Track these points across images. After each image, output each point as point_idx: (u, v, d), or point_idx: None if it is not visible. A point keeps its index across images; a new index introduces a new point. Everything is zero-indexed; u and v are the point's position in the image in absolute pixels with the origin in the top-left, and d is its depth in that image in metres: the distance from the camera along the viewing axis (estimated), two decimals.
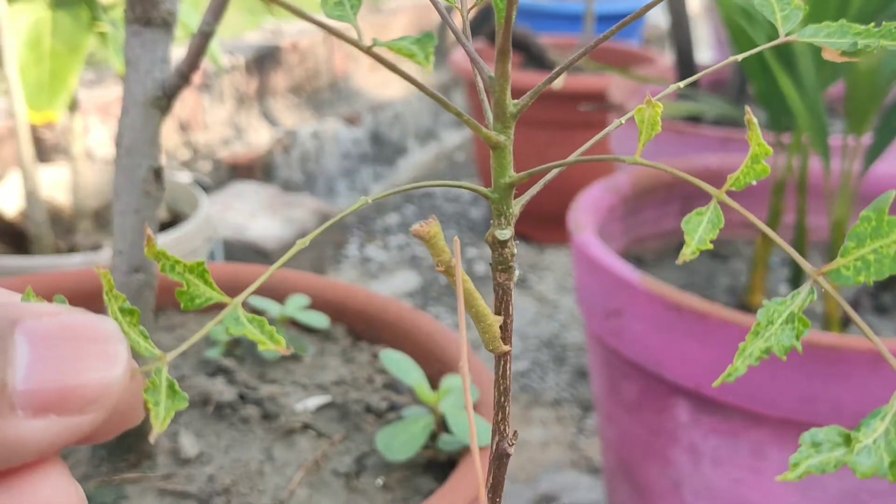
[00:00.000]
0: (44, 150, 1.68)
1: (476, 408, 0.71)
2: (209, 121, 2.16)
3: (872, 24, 0.30)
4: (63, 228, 1.31)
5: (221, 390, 0.77)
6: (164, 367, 0.26)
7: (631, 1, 3.09)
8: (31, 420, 0.23)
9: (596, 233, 1.01)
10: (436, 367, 0.78)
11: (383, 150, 2.51)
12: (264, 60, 2.34)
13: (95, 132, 1.80)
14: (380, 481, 0.70)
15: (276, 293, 0.88)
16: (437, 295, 1.82)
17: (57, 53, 1.09)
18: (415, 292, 1.84)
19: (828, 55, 0.30)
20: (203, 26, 0.61)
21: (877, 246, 0.25)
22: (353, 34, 0.25)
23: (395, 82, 2.80)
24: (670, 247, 1.21)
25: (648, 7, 0.29)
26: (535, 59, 2.08)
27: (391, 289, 1.84)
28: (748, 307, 1.05)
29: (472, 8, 0.33)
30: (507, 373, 0.32)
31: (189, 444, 0.71)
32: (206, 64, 2.02)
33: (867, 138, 1.04)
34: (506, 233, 0.30)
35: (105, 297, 0.26)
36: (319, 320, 0.85)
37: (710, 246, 0.27)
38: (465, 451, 0.69)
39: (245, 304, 0.92)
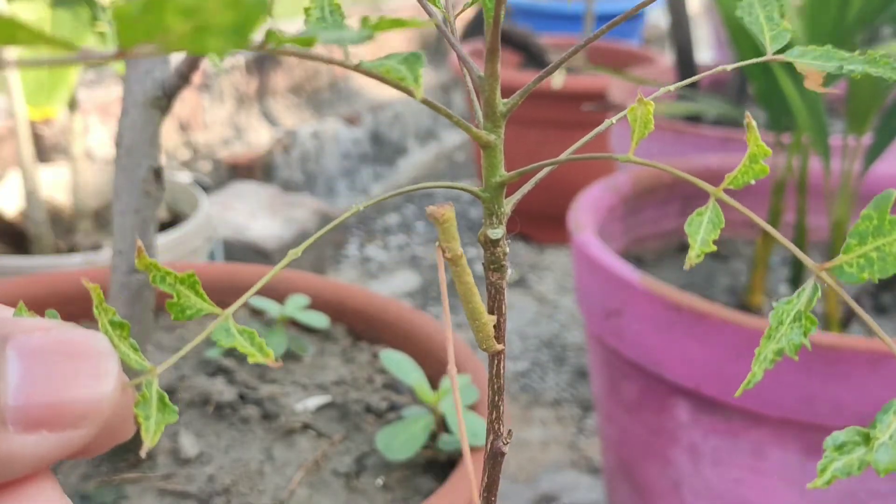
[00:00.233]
0: (44, 150, 1.68)
1: (475, 408, 0.71)
2: (209, 121, 2.16)
3: (858, 52, 0.30)
4: (63, 228, 1.31)
5: (221, 390, 0.77)
6: (154, 379, 0.26)
7: (631, 1, 3.09)
8: (22, 435, 0.23)
9: (596, 233, 1.01)
10: (436, 367, 0.78)
11: (383, 150, 2.51)
12: (264, 60, 2.34)
13: (95, 132, 1.80)
14: (380, 481, 0.70)
15: (276, 293, 0.88)
16: (437, 295, 1.81)
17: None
18: (415, 292, 1.84)
19: (810, 83, 0.30)
20: None
21: (879, 244, 0.25)
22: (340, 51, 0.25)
23: None
24: (670, 247, 1.21)
25: (641, 6, 0.29)
26: (534, 59, 2.08)
27: (391, 289, 1.84)
28: (748, 307, 1.05)
29: (462, 10, 0.33)
30: (501, 372, 0.32)
31: (189, 444, 0.71)
32: (205, 64, 2.02)
33: (867, 138, 1.04)
34: (497, 232, 0.30)
35: (95, 311, 0.26)
36: (319, 320, 0.85)
37: (714, 248, 0.27)
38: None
39: (245, 305, 0.92)
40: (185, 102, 2.07)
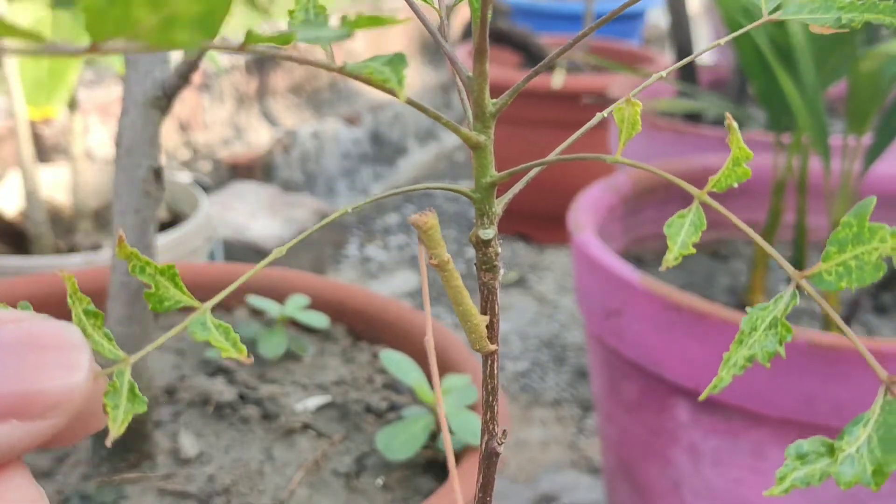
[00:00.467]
0: (44, 150, 1.67)
1: (475, 408, 0.71)
2: (209, 121, 2.16)
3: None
4: (63, 228, 1.31)
5: (221, 390, 0.77)
6: (126, 369, 0.26)
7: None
8: None
9: (596, 233, 1.01)
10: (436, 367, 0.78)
11: (383, 150, 2.51)
12: (264, 60, 2.34)
13: (95, 132, 1.80)
14: (380, 481, 0.70)
15: (276, 293, 0.88)
16: (437, 295, 1.82)
17: None
18: (415, 292, 1.84)
19: (816, 30, 0.30)
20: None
21: (858, 252, 0.24)
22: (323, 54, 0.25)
23: None
24: None
25: (626, 5, 0.29)
26: (534, 59, 2.08)
27: (391, 289, 1.84)
28: (748, 307, 1.05)
29: (453, 5, 0.33)
30: (495, 372, 0.32)
31: (189, 444, 0.71)
32: (206, 64, 2.02)
33: (867, 138, 1.04)
34: (489, 232, 0.30)
35: (69, 300, 0.26)
36: (319, 320, 0.85)
37: (693, 251, 0.27)
38: (465, 450, 0.69)
39: (246, 304, 0.92)
40: (185, 102, 2.07)
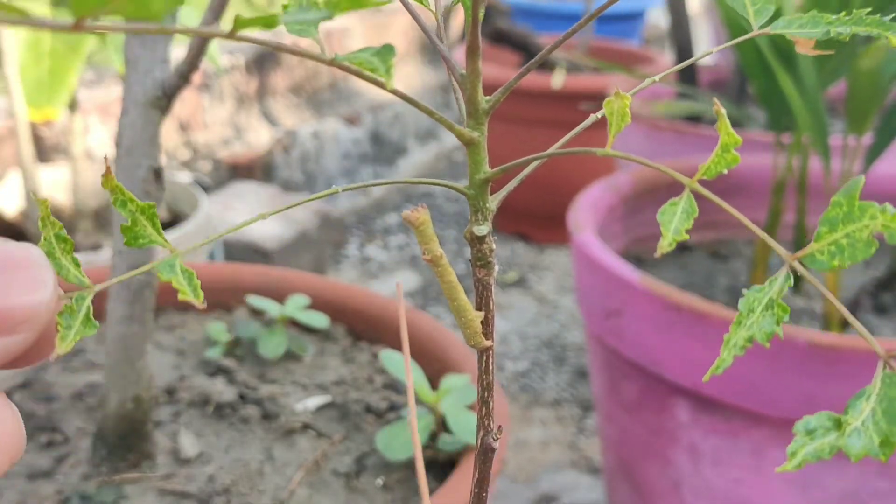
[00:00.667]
0: (44, 150, 1.67)
1: (474, 408, 0.71)
2: (209, 121, 2.16)
3: (844, 13, 0.30)
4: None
5: (221, 390, 0.77)
6: (89, 296, 0.27)
7: (631, 1, 3.09)
8: None
9: (596, 233, 1.01)
10: (436, 367, 0.78)
11: (383, 150, 2.51)
12: (264, 60, 2.34)
13: (95, 132, 1.80)
14: (380, 481, 0.70)
15: (276, 293, 0.88)
16: (437, 295, 1.81)
17: (57, 53, 1.09)
18: (415, 292, 1.84)
19: (801, 48, 0.30)
20: (203, 26, 0.61)
21: (849, 230, 0.25)
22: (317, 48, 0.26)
23: (396, 82, 2.79)
24: None
25: (607, 5, 0.29)
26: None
27: (391, 289, 1.84)
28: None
29: (449, 8, 0.33)
30: (491, 368, 0.32)
31: (189, 444, 0.71)
32: (206, 64, 2.02)
33: (867, 138, 1.04)
34: (483, 228, 0.30)
35: (40, 224, 0.28)
36: (319, 320, 0.85)
37: (686, 237, 0.27)
38: (465, 450, 0.69)
39: (246, 304, 0.92)
40: (185, 102, 2.07)
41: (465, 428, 0.68)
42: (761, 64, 1.03)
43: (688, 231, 0.27)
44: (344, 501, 0.68)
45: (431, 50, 3.00)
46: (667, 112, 1.48)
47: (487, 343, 0.31)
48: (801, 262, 0.26)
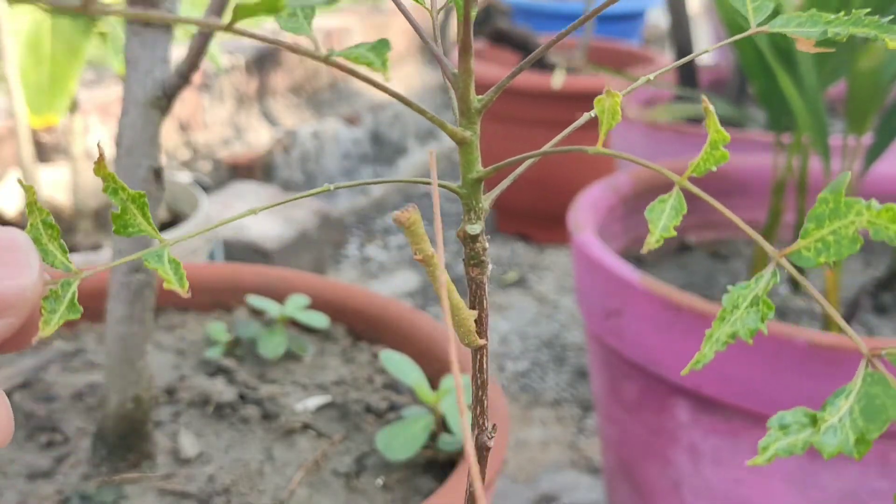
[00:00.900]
0: (44, 151, 1.68)
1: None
2: (209, 121, 2.16)
3: (843, 12, 0.30)
4: (63, 228, 1.31)
5: (221, 390, 0.77)
6: (75, 282, 0.27)
7: (631, 1, 3.09)
8: None
9: (596, 233, 1.01)
10: (436, 367, 0.78)
11: (383, 150, 2.51)
12: (264, 60, 2.34)
13: (95, 132, 1.80)
14: (380, 481, 0.70)
15: (276, 293, 0.88)
16: (437, 295, 1.82)
17: (57, 56, 1.09)
18: (415, 292, 1.84)
19: (802, 46, 0.30)
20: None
21: (835, 227, 0.25)
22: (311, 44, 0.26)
23: (395, 82, 2.80)
24: (670, 247, 1.21)
25: (604, 6, 0.29)
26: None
27: (391, 289, 1.84)
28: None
29: (441, 9, 0.33)
30: (485, 366, 0.32)
31: (189, 444, 0.71)
32: (206, 64, 2.02)
33: (867, 138, 1.04)
34: (476, 227, 0.30)
35: (27, 209, 0.28)
36: (319, 320, 0.85)
37: (674, 233, 0.27)
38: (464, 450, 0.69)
39: (246, 304, 0.92)
40: (185, 102, 2.07)
41: None
42: (761, 64, 1.03)
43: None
44: (344, 501, 0.68)
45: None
46: (666, 115, 1.48)
47: (481, 342, 0.31)
48: (788, 259, 0.26)
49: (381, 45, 0.23)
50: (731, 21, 1.10)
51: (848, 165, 1.01)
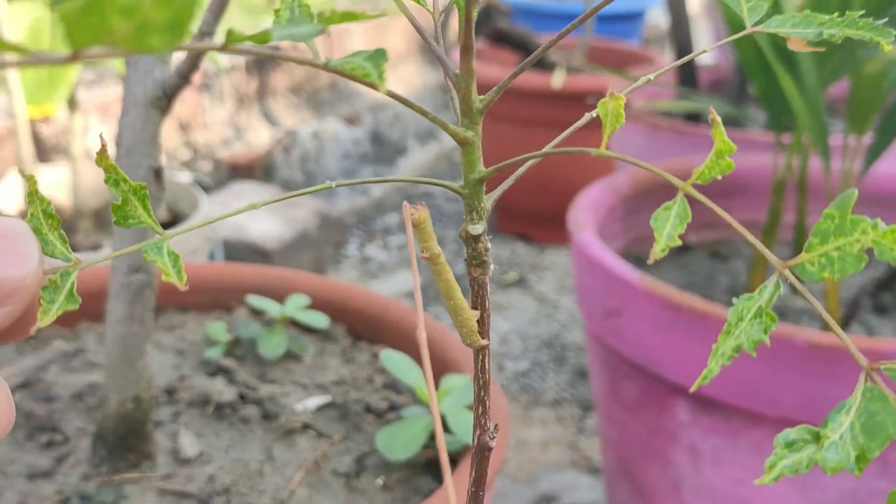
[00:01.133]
0: (44, 150, 1.68)
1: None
2: (209, 121, 2.16)
3: (836, 14, 0.30)
4: (63, 228, 1.31)
5: (221, 390, 0.77)
6: (74, 272, 0.27)
7: (631, 1, 3.09)
8: None
9: (596, 233, 1.01)
10: (436, 367, 0.78)
11: (383, 150, 2.51)
12: (264, 61, 2.34)
13: (95, 132, 1.80)
14: (380, 481, 0.70)
15: (276, 293, 0.88)
16: (437, 295, 1.82)
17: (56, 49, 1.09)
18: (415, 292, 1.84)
19: (794, 45, 0.30)
20: (203, 27, 0.61)
21: (840, 244, 0.25)
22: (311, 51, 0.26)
23: (395, 82, 2.80)
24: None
25: (601, 6, 0.29)
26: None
27: (391, 289, 1.84)
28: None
29: (443, 11, 0.33)
30: (486, 367, 0.32)
31: (189, 444, 0.71)
32: (206, 64, 2.02)
33: (868, 138, 1.04)
34: (478, 227, 0.30)
35: (28, 199, 0.28)
36: (319, 320, 0.85)
37: (679, 242, 0.27)
38: (465, 450, 0.69)
39: (246, 304, 0.92)
40: (185, 102, 2.07)
41: (465, 428, 0.68)
42: (761, 64, 1.03)
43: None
44: (344, 501, 0.68)
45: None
46: (668, 110, 1.48)
47: (483, 342, 0.31)
48: (791, 271, 0.26)
49: (379, 55, 0.23)
50: (733, 20, 1.10)
51: (848, 165, 1.01)
